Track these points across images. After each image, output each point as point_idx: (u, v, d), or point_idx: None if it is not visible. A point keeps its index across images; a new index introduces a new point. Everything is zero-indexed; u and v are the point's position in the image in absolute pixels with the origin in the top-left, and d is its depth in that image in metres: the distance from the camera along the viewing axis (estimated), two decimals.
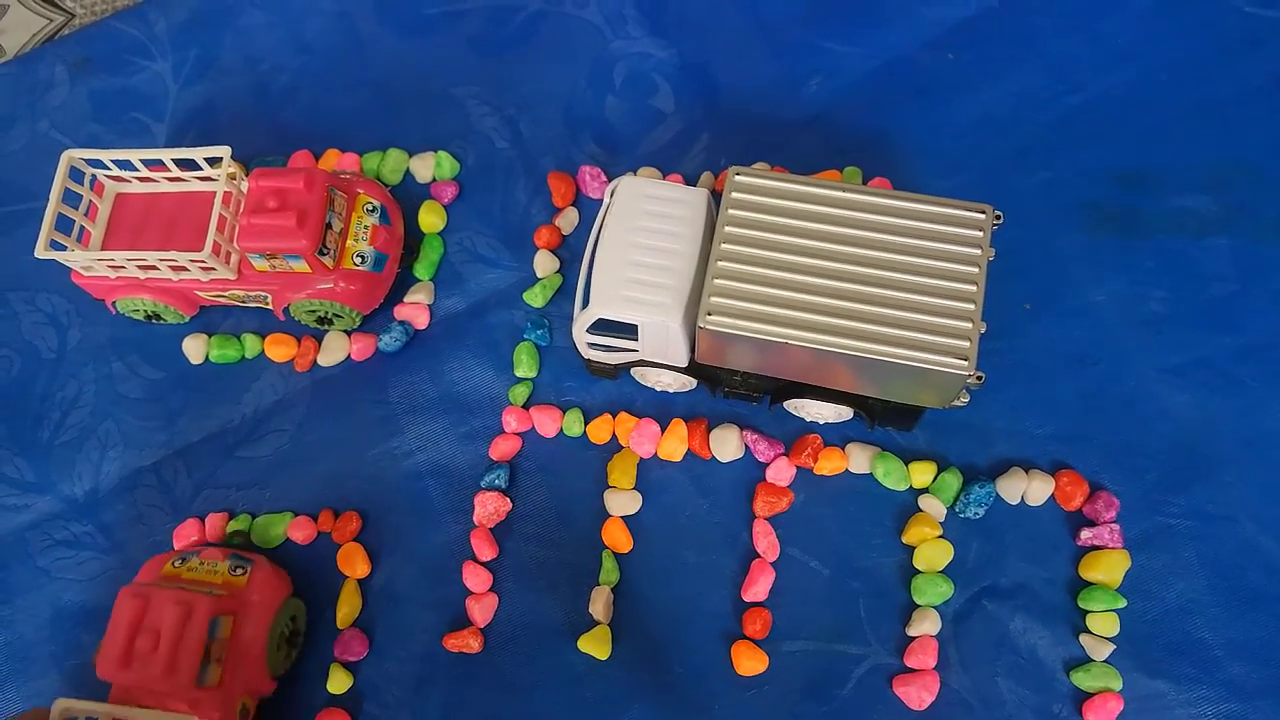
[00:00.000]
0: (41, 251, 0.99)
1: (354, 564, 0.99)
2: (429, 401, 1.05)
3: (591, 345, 0.96)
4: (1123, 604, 0.92)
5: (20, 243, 1.12)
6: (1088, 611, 0.92)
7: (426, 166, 1.13)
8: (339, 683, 0.96)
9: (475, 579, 0.98)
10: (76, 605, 1.01)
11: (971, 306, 0.85)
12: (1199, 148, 1.07)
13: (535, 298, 1.08)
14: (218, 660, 0.87)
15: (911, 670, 0.92)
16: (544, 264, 1.09)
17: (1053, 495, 0.96)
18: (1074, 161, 1.07)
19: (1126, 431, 0.98)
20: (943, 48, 1.13)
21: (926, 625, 0.93)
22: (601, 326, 0.92)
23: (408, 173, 1.14)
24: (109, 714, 0.84)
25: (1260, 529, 0.93)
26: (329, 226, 1.00)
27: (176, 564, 0.92)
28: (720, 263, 0.87)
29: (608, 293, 0.90)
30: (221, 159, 1.00)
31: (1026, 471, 0.96)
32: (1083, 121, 1.09)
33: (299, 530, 1.01)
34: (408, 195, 1.12)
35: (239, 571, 0.92)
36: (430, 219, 1.11)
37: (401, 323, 1.08)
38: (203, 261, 0.98)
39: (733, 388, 0.98)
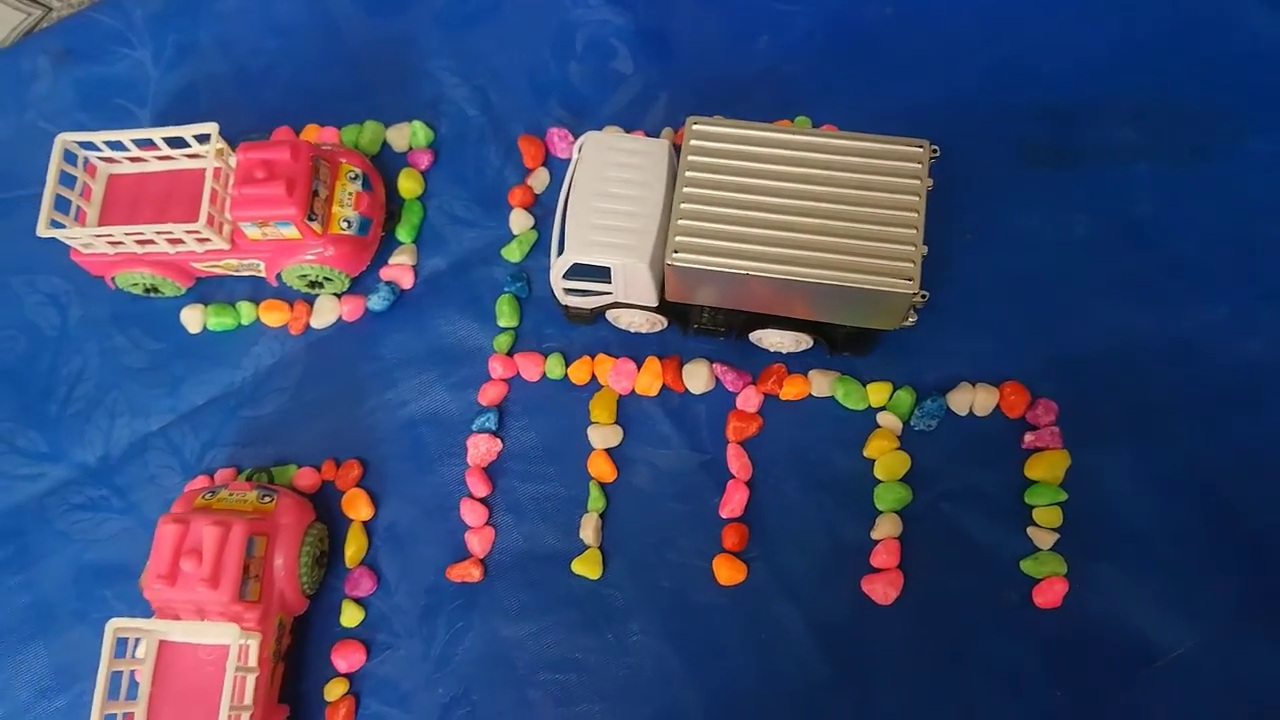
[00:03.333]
0: (43, 230, 1.04)
1: (358, 508, 1.06)
2: (418, 355, 1.12)
3: (568, 291, 1.03)
4: (1064, 497, 1.00)
5: (15, 229, 1.17)
6: (1033, 506, 1.01)
7: (403, 136, 1.20)
8: (351, 616, 1.03)
9: (472, 514, 1.05)
10: (97, 563, 1.07)
11: (913, 231, 0.93)
12: (1122, 84, 1.16)
13: (513, 253, 1.15)
14: (256, 577, 0.94)
15: (877, 570, 1.01)
16: (519, 221, 1.16)
17: (998, 405, 1.04)
18: (1005, 102, 1.15)
19: (1062, 343, 1.06)
20: (880, 1, 1.21)
21: (888, 528, 1.01)
22: (577, 272, 1.00)
23: (385, 143, 1.20)
24: (160, 630, 0.91)
25: (1184, 423, 1.03)
26: (315, 194, 1.06)
27: (207, 496, 0.99)
28: (684, 204, 0.95)
29: (581, 239, 0.97)
30: (210, 135, 1.06)
31: (973, 385, 1.05)
32: (1013, 64, 1.17)
33: (304, 479, 1.08)
34: (386, 164, 1.19)
35: (267, 499, 0.99)
36: (409, 185, 1.17)
37: (388, 283, 1.14)
38: (198, 232, 1.04)
39: (701, 324, 1.06)
